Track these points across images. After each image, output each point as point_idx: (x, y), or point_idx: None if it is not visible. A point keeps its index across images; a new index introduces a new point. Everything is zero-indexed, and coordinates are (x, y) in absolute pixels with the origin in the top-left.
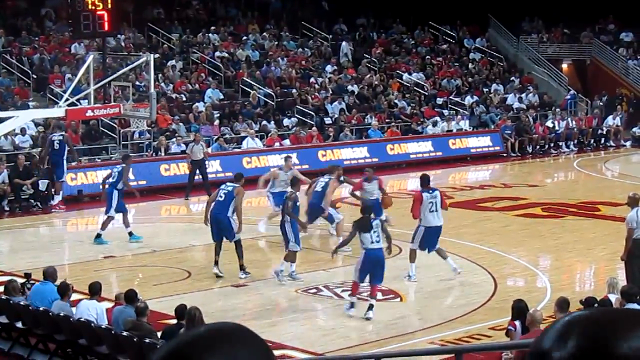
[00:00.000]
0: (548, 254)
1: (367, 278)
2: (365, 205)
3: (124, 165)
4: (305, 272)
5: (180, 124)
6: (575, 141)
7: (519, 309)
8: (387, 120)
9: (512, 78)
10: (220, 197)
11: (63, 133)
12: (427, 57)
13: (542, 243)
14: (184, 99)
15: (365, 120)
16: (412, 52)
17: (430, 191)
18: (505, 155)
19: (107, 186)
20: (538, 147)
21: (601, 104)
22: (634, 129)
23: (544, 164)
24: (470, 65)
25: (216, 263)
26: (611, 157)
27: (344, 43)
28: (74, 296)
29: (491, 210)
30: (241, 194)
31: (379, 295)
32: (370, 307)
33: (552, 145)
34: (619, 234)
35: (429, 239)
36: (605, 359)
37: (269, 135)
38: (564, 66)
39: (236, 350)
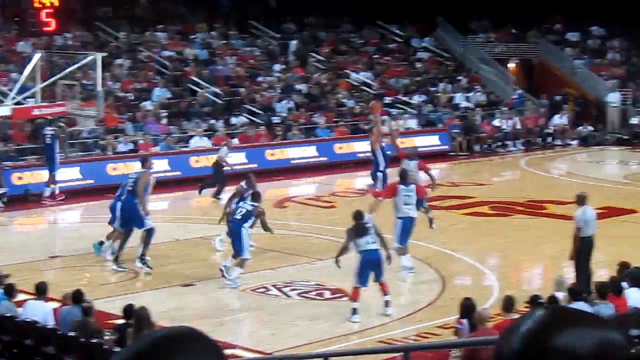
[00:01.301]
0: (496, 252)
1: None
2: (356, 211)
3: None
4: (254, 272)
5: (128, 122)
6: (523, 140)
7: (467, 307)
8: (335, 119)
9: (460, 77)
10: (130, 186)
11: (55, 127)
12: (375, 56)
13: (490, 241)
14: (132, 97)
15: (314, 119)
16: (360, 51)
17: (407, 185)
18: (453, 154)
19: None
20: (486, 146)
21: (548, 102)
22: (580, 128)
23: (492, 163)
24: (418, 65)
25: (116, 260)
26: (558, 156)
27: (292, 42)
28: (20, 296)
29: (439, 209)
30: (143, 179)
31: (327, 294)
32: (387, 303)
33: (499, 144)
34: (566, 232)
35: (406, 230)
36: (538, 352)
37: (217, 134)
38: (511, 65)
39: (191, 357)
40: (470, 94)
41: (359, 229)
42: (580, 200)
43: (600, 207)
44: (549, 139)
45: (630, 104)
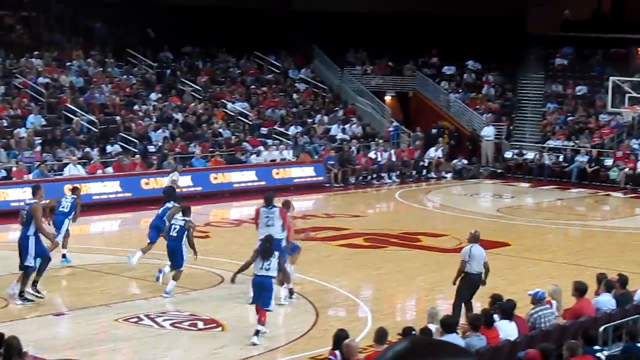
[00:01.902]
0: (370, 284)
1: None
2: (267, 236)
3: (75, 196)
4: (127, 301)
5: (1, 149)
6: (398, 172)
7: (340, 339)
8: (211, 149)
9: (336, 109)
10: (23, 217)
11: None
12: (252, 86)
13: (364, 273)
14: (5, 124)
15: (190, 148)
16: (237, 81)
17: (269, 207)
18: (328, 185)
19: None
20: (361, 177)
21: (423, 135)
22: (454, 161)
23: (367, 195)
24: (294, 96)
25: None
26: (432, 189)
27: (169, 71)
28: None
29: (314, 240)
30: (36, 210)
31: (200, 324)
32: (257, 332)
33: (374, 176)
34: (439, 264)
35: None
36: None
37: (92, 162)
38: (388, 98)
39: None
40: (347, 126)
41: (265, 251)
42: (473, 238)
43: None
44: (424, 172)
45: (504, 138)
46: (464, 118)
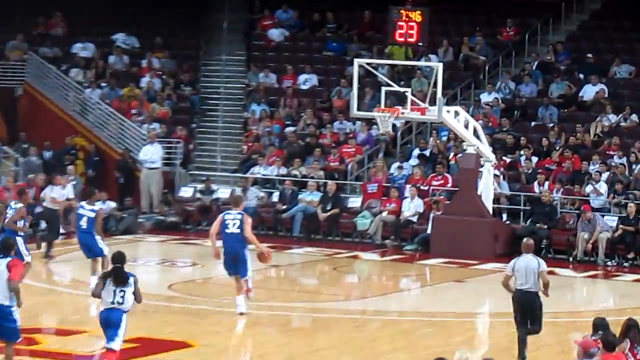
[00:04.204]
0: None
1: None
2: (117, 253)
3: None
4: None
5: None
6: None
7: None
8: None
9: None
10: None
11: None
12: None
13: None
14: None
15: None
16: None
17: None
18: None
19: None
20: None
21: (39, 161)
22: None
23: None
24: None
25: None
26: (59, 252)
27: None
28: None
29: None
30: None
31: None
32: None
33: None
34: None
35: None
36: None
37: None
38: None
39: None
40: None
41: (117, 275)
42: (525, 248)
43: None
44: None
45: (180, 165)
46: (110, 131)
